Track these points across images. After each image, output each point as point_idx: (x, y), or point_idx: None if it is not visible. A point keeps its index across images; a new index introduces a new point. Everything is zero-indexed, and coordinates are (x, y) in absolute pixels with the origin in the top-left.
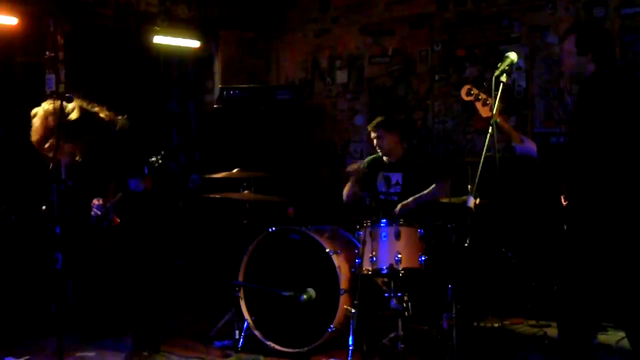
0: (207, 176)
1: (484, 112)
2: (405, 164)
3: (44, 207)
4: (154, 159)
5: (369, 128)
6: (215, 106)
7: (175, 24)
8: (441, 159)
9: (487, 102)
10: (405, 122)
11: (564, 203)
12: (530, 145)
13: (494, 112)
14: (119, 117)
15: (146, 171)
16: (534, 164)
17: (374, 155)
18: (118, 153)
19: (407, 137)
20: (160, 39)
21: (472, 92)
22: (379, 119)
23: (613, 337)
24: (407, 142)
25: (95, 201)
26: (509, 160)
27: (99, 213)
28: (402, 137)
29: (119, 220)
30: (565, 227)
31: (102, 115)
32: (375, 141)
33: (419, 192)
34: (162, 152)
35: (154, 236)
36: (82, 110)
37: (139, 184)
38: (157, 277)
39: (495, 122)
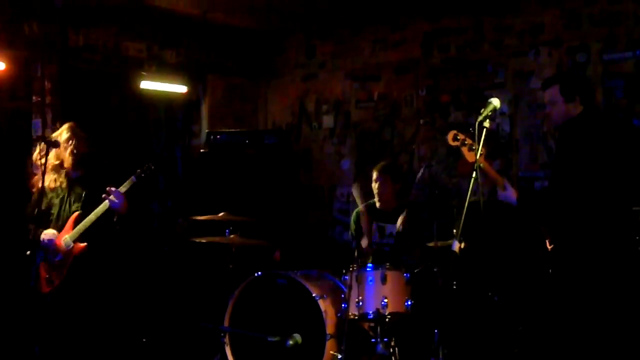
0: (193, 218)
1: (469, 157)
2: (398, 216)
3: (28, 252)
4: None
5: (375, 171)
6: (202, 150)
7: (163, 69)
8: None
9: (473, 148)
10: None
11: (549, 247)
12: (512, 194)
13: (478, 157)
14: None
15: (134, 179)
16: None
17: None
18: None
19: (403, 187)
20: (148, 84)
21: (458, 138)
22: (383, 163)
23: None
24: (402, 191)
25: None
26: (494, 203)
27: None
28: (400, 186)
29: (83, 246)
30: (550, 271)
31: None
32: (376, 185)
33: (412, 243)
34: (152, 167)
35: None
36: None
37: (119, 203)
38: (139, 321)
39: (479, 167)
